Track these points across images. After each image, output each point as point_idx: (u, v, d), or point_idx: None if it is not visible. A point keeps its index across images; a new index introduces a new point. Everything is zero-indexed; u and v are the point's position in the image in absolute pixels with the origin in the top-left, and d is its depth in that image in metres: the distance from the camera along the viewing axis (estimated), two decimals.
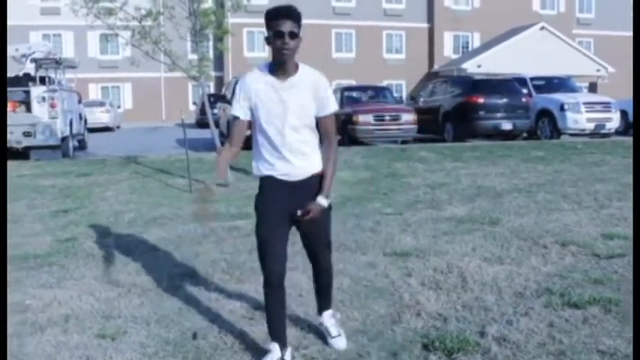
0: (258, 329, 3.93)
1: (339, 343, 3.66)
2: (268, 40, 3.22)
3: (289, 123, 3.30)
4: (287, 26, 3.15)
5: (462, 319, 4.01)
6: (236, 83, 13.63)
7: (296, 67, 3.31)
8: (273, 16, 3.17)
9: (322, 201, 3.37)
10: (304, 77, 3.32)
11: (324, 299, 3.79)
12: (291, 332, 3.87)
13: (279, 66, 3.26)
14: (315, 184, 3.41)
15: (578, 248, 5.52)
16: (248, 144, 3.39)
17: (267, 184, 3.41)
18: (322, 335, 3.80)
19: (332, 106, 3.42)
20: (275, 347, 3.38)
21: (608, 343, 3.51)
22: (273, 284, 3.32)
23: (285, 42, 3.14)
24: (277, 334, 3.40)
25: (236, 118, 3.36)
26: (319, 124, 3.42)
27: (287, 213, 3.35)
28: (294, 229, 3.48)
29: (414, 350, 3.57)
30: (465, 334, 3.70)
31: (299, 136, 3.35)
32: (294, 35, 3.17)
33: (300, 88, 3.30)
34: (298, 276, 4.78)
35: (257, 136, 3.39)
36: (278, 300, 3.37)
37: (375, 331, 3.88)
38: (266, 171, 3.39)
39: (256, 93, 3.30)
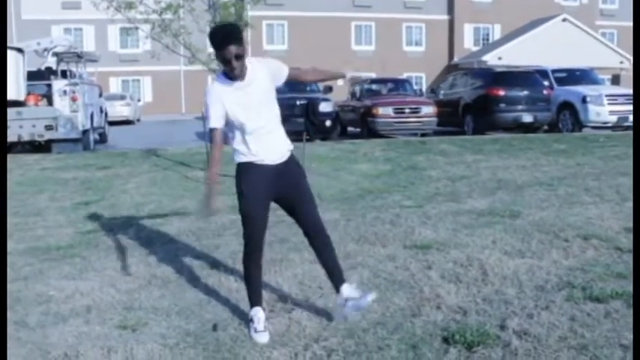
0: (278, 321, 3.95)
1: (369, 297, 3.79)
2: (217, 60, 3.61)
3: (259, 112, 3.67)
4: (231, 51, 3.44)
5: (483, 313, 3.99)
6: None
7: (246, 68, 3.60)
8: (219, 43, 3.45)
9: None
10: (256, 70, 3.64)
11: (337, 271, 3.92)
12: (311, 324, 3.89)
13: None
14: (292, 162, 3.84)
15: (601, 242, 5.45)
16: None
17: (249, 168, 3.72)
18: (342, 327, 3.81)
19: (284, 67, 3.80)
20: (259, 311, 3.81)
21: (631, 337, 3.46)
22: (258, 253, 3.79)
23: (234, 66, 3.47)
24: (259, 299, 3.86)
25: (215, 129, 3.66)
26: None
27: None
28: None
29: (434, 343, 3.56)
30: (485, 328, 3.68)
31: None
32: (239, 57, 3.48)
33: (257, 79, 3.64)
34: (319, 268, 4.77)
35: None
36: (259, 268, 3.84)
37: (394, 323, 3.87)
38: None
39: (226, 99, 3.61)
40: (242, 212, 3.74)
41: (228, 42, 3.43)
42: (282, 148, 3.78)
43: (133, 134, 23.05)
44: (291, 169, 3.80)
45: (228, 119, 3.64)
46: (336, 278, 3.89)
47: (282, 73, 3.77)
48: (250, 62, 3.62)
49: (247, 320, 3.92)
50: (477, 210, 6.97)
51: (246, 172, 3.70)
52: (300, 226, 3.90)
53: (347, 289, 3.84)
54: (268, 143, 3.70)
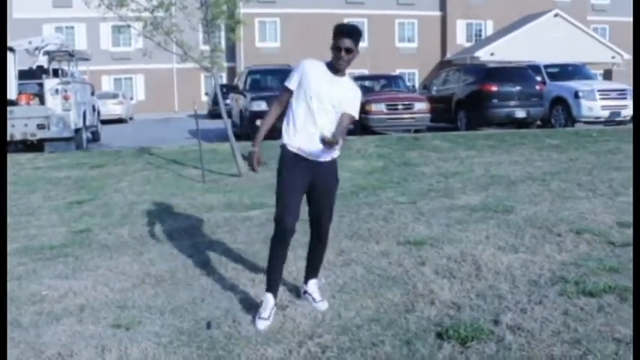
0: (272, 318, 3.94)
1: (322, 305, 4.12)
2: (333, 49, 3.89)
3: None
4: (345, 43, 3.83)
5: (476, 308, 4.00)
6: (248, 74, 13.93)
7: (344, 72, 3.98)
8: (339, 33, 3.86)
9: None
10: (349, 85, 4.01)
11: (314, 269, 4.28)
12: (305, 321, 3.89)
13: (335, 68, 3.94)
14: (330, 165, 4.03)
15: (593, 236, 5.48)
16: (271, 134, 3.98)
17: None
18: (336, 324, 3.81)
19: (355, 112, 4.04)
20: (269, 297, 3.93)
21: (624, 331, 3.48)
22: (285, 236, 3.87)
23: (341, 56, 3.84)
24: (274, 286, 3.98)
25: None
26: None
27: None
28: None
29: (428, 339, 3.57)
30: (479, 323, 3.69)
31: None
32: (349, 51, 3.85)
33: (345, 88, 3.95)
34: None
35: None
36: (283, 254, 3.94)
37: (388, 319, 3.88)
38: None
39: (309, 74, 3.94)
40: (277, 194, 3.95)
41: (346, 35, 3.84)
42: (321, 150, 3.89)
43: (125, 133, 22.96)
44: (325, 175, 4.00)
45: (300, 88, 3.90)
46: (310, 274, 4.28)
47: (349, 114, 3.97)
48: (349, 77, 4.02)
49: (241, 319, 3.93)
50: (470, 206, 6.98)
51: (286, 156, 3.96)
52: (310, 224, 4.15)
53: (312, 286, 4.26)
54: (310, 136, 3.86)
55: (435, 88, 19.92)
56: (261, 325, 3.82)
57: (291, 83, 3.97)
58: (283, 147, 3.99)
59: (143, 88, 44.28)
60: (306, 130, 3.90)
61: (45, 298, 4.57)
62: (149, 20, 10.33)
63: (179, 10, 10.52)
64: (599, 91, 17.19)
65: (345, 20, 43.30)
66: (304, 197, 4.04)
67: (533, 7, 41.88)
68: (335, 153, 4.02)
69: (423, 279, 4.57)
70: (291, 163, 3.94)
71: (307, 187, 3.98)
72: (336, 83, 3.91)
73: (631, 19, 44.03)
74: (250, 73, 18.45)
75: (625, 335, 3.43)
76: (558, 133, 14.66)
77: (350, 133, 16.59)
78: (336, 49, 3.85)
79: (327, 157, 3.98)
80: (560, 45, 35.86)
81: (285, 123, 4.00)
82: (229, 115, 15.67)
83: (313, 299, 4.17)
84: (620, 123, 17.36)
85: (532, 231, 5.74)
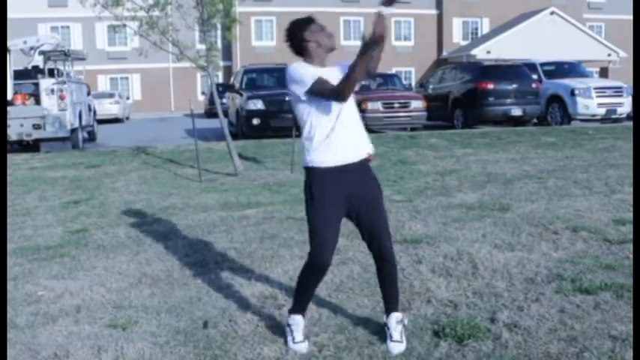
0: (269, 317, 3.94)
1: (396, 348, 3.44)
2: None
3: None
4: None
5: (473, 306, 4.00)
6: (244, 73, 13.70)
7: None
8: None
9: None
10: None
11: (390, 297, 3.60)
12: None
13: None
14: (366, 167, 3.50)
15: (590, 234, 5.48)
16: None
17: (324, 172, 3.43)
18: (333, 323, 3.81)
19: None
20: (300, 320, 3.59)
21: (620, 328, 3.49)
22: (323, 272, 3.49)
23: None
24: (303, 308, 3.64)
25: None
26: None
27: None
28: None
29: (425, 337, 3.57)
30: (475, 321, 3.69)
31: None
32: None
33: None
34: None
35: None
36: (316, 285, 3.59)
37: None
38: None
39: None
40: (311, 226, 3.45)
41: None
42: (356, 147, 3.45)
43: (122, 132, 22.94)
44: (360, 181, 3.45)
45: (317, 99, 3.38)
46: (389, 305, 3.60)
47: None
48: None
49: (237, 318, 3.92)
50: (466, 204, 6.99)
51: (315, 178, 3.42)
52: (368, 247, 3.59)
53: (392, 321, 3.53)
54: (342, 139, 3.39)
55: (431, 86, 19.96)
56: (301, 348, 3.49)
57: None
58: (310, 170, 3.44)
59: (139, 88, 44.24)
60: (338, 141, 3.39)
61: (41, 298, 4.55)
62: (145, 19, 10.31)
63: (175, 9, 10.52)
64: (595, 88, 17.24)
65: (342, 19, 43.60)
66: (344, 219, 3.51)
67: (529, 5, 41.95)
68: (367, 148, 3.49)
69: (419, 277, 4.57)
70: (322, 185, 3.38)
71: (346, 206, 3.43)
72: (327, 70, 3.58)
73: (627, 17, 44.21)
74: (246, 72, 18.45)
75: (621, 332, 3.44)
76: (554, 131, 14.69)
77: None
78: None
79: (360, 155, 3.44)
80: (557, 43, 35.94)
81: (307, 142, 3.43)
82: (226, 114, 15.65)
83: (390, 336, 3.49)
84: (616, 120, 17.42)
85: (528, 229, 5.75)
